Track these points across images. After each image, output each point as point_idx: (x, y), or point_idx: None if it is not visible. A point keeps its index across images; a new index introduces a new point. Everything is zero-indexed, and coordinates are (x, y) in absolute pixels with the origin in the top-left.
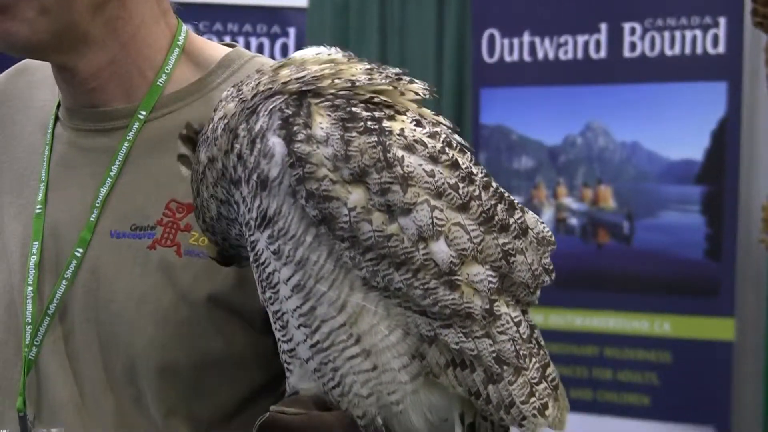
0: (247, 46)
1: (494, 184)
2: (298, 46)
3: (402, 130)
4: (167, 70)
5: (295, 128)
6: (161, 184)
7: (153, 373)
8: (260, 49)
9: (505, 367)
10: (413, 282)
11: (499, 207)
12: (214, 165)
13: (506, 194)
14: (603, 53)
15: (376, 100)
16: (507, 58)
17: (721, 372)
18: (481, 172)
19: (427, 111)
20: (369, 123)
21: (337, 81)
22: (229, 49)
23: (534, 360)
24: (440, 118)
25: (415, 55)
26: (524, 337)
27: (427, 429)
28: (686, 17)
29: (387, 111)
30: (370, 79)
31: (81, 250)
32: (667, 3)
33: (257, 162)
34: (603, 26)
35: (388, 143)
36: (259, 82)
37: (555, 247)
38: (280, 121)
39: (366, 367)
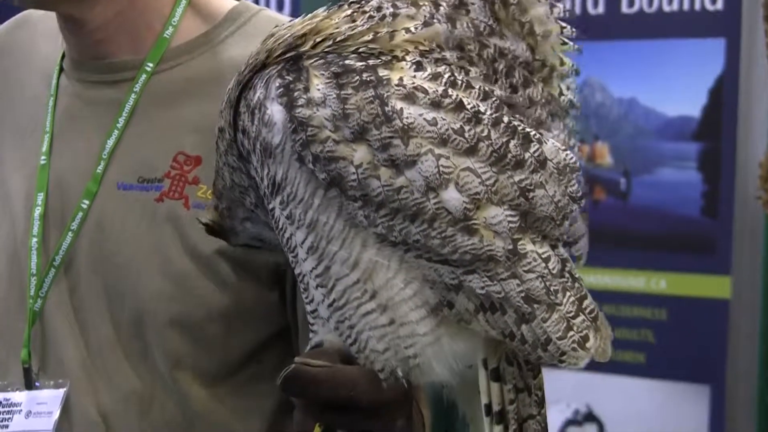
0: None
1: (506, 119)
2: (294, 2)
3: (401, 79)
4: (174, 22)
5: (295, 94)
6: (168, 136)
7: (160, 326)
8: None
9: (536, 306)
10: (430, 232)
11: (512, 143)
12: (223, 135)
13: (520, 127)
14: (601, 9)
15: (368, 48)
16: None
17: (717, 330)
18: (491, 107)
19: (421, 34)
20: (365, 76)
21: (317, 39)
22: (236, 2)
23: (569, 294)
24: (436, 28)
25: None
26: (554, 272)
27: (451, 377)
28: None
29: (383, 58)
30: (352, 29)
31: (87, 202)
32: None
33: (258, 131)
34: None
35: (385, 95)
36: (252, 56)
37: (580, 173)
38: (280, 89)
39: (382, 321)
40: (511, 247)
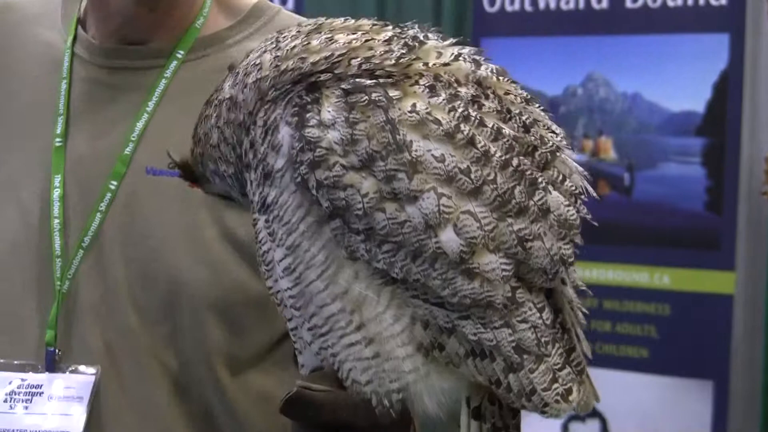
0: None
1: (515, 162)
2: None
3: (414, 105)
4: (205, 13)
5: (308, 115)
6: None
7: (197, 310)
8: None
9: (525, 356)
10: (431, 272)
11: (518, 189)
12: (233, 110)
13: (528, 171)
14: (605, 4)
15: (386, 69)
16: (508, 8)
17: (720, 326)
18: (501, 149)
19: (441, 68)
20: (374, 95)
21: (353, 61)
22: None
23: (557, 345)
24: (459, 64)
25: (414, 3)
26: (547, 323)
27: (441, 411)
28: None
29: (395, 78)
30: (383, 53)
31: (115, 183)
32: None
33: (265, 154)
34: None
35: (397, 121)
36: (293, 51)
37: (578, 232)
38: (295, 108)
39: (367, 354)
40: (510, 294)
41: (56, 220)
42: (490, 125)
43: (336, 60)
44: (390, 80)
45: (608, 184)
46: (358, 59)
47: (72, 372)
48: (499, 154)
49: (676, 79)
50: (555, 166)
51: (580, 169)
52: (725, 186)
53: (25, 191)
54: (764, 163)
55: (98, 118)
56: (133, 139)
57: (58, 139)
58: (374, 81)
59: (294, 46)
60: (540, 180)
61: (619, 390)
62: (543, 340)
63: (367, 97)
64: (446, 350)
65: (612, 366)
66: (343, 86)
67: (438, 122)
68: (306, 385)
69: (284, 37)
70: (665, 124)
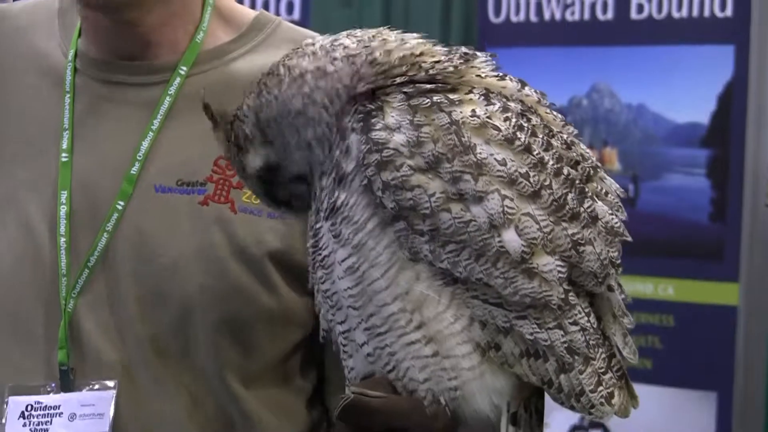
0: (253, 4)
1: (565, 171)
2: (304, 4)
3: (473, 110)
4: (204, 27)
5: (373, 120)
6: (207, 140)
7: (208, 326)
8: (266, 7)
9: (576, 357)
10: (493, 271)
11: (570, 196)
12: (323, 78)
13: (577, 181)
14: (610, 14)
15: (438, 78)
16: (513, 18)
17: (724, 337)
18: (553, 158)
19: (492, 81)
20: (435, 98)
21: (423, 65)
22: (254, 11)
23: (600, 350)
24: (506, 82)
25: (421, 14)
26: (594, 326)
27: (492, 412)
28: None
29: (454, 89)
30: (446, 61)
31: (122, 203)
32: None
33: (338, 160)
34: None
35: (461, 122)
36: (374, 42)
37: (625, 239)
38: (360, 114)
39: (426, 353)
40: (563, 296)
41: (62, 239)
42: (540, 136)
43: (413, 61)
44: (448, 86)
45: None
46: (427, 63)
47: (89, 389)
48: (551, 162)
49: (681, 91)
50: (596, 180)
51: (617, 186)
52: (729, 197)
53: (31, 206)
54: None
55: (102, 135)
56: (139, 158)
57: (64, 155)
58: (434, 85)
59: (372, 37)
60: (587, 190)
61: None
62: (591, 342)
63: (429, 100)
64: (502, 350)
65: None
66: (404, 90)
67: (497, 128)
68: (361, 392)
69: (351, 32)
70: (670, 135)
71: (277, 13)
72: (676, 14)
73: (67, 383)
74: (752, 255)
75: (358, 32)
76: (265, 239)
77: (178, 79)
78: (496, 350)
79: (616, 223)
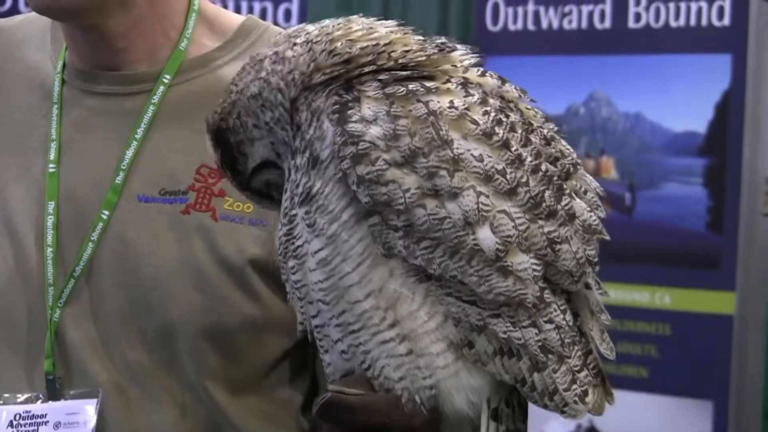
0: (251, 10)
1: (543, 167)
2: (302, 12)
3: (451, 101)
4: (188, 34)
5: (349, 112)
6: (190, 149)
7: (192, 337)
8: (263, 14)
9: (549, 356)
10: (467, 269)
11: (547, 193)
12: (279, 63)
13: (555, 177)
14: (607, 23)
15: (411, 66)
16: (511, 27)
17: (720, 346)
18: (531, 154)
19: (471, 75)
20: (411, 86)
21: (393, 54)
22: (242, 17)
23: (576, 348)
24: (486, 79)
25: (418, 22)
26: (570, 324)
27: (470, 409)
28: None
29: (431, 77)
30: (418, 50)
31: (107, 213)
32: None
33: (312, 140)
34: None
35: (438, 113)
36: (338, 32)
37: (602, 237)
38: (336, 106)
39: (400, 351)
40: (538, 294)
41: (49, 249)
42: (519, 132)
43: (380, 51)
44: (424, 73)
45: (609, 203)
46: (397, 52)
47: (73, 398)
48: (529, 159)
49: (678, 99)
50: (575, 178)
51: (596, 185)
52: (726, 206)
53: (18, 217)
54: (765, 184)
55: (88, 145)
56: (123, 168)
57: (51, 166)
58: (409, 72)
59: (337, 26)
60: (565, 187)
61: (619, 409)
62: (566, 341)
63: (404, 88)
64: (475, 348)
65: (612, 385)
66: (379, 78)
67: (475, 122)
68: (340, 389)
69: (313, 33)
70: (667, 144)
71: (275, 20)
72: (673, 23)
73: (53, 392)
74: (749, 264)
75: (327, 21)
76: (246, 247)
77: (161, 88)
78: (470, 348)
79: (594, 220)
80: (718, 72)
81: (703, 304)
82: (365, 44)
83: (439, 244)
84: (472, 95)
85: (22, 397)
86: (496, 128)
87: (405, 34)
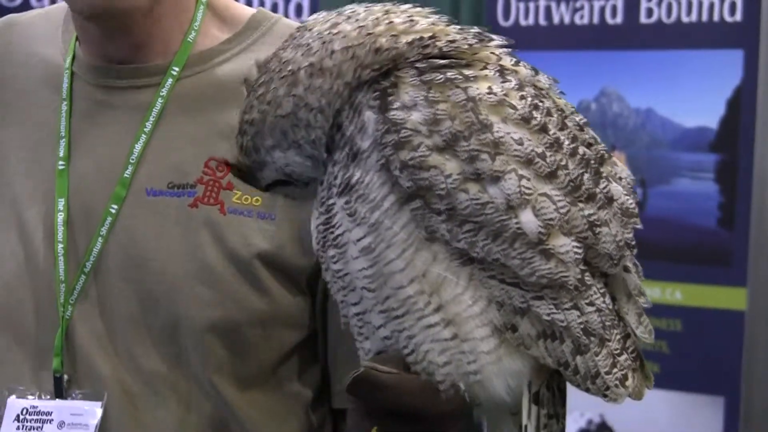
0: (262, 4)
1: (581, 151)
2: (313, 4)
3: (489, 87)
4: (196, 27)
5: (390, 98)
6: (198, 142)
7: (199, 331)
8: (275, 8)
9: (591, 338)
10: (510, 252)
11: (586, 176)
12: (318, 76)
13: (592, 161)
14: (619, 18)
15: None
16: (522, 22)
17: (732, 341)
18: (568, 137)
19: (506, 63)
20: (449, 74)
21: (438, 44)
22: (253, 9)
23: (615, 332)
24: (520, 67)
25: None
26: (609, 307)
27: (508, 395)
28: None
29: (469, 64)
30: (460, 40)
31: (116, 207)
32: None
33: (353, 135)
34: None
35: (477, 99)
36: (379, 27)
37: (638, 220)
38: (375, 93)
39: (445, 335)
40: (579, 277)
41: (60, 245)
42: (555, 116)
43: (425, 44)
44: (462, 61)
45: None
46: (442, 43)
47: (79, 398)
48: (567, 142)
49: (690, 95)
50: (609, 164)
51: (628, 172)
52: (737, 202)
53: (28, 213)
54: None
55: (98, 139)
56: (132, 161)
57: (61, 162)
58: (447, 61)
59: (377, 20)
60: (602, 171)
61: (629, 405)
62: (606, 324)
63: (442, 76)
64: (519, 331)
65: None
66: (417, 66)
67: (514, 107)
68: (373, 366)
69: (353, 11)
70: (678, 140)
71: (286, 13)
72: (685, 18)
73: (60, 390)
74: (760, 260)
75: (361, 12)
76: (255, 241)
77: (170, 81)
78: (513, 332)
79: (631, 204)
80: (729, 68)
81: (714, 300)
82: (411, 38)
83: (481, 228)
84: (510, 81)
85: (31, 392)
86: (534, 113)
87: (444, 24)
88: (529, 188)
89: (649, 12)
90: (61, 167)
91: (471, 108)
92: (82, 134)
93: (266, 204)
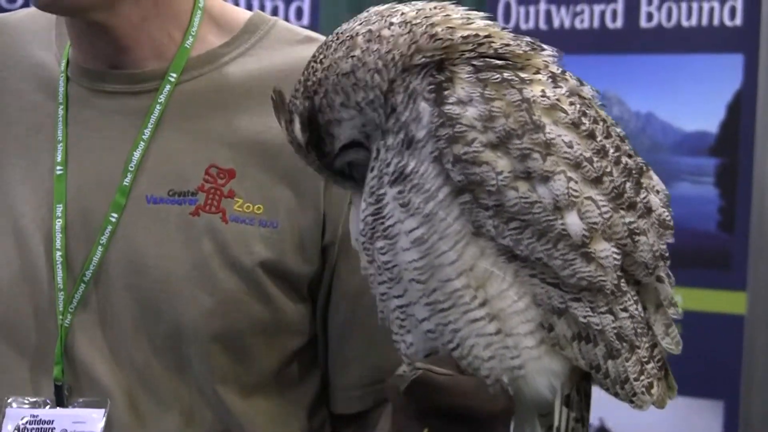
0: (262, 8)
1: (623, 160)
2: (313, 10)
3: (543, 90)
4: (193, 32)
5: (445, 92)
6: (198, 148)
7: (202, 340)
8: (275, 12)
9: (623, 344)
10: (553, 252)
11: (628, 185)
12: (376, 42)
13: (633, 171)
14: (619, 23)
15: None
16: (522, 26)
17: (731, 346)
18: (612, 146)
19: (555, 71)
20: (506, 74)
21: (493, 44)
22: (249, 12)
23: (644, 339)
24: (567, 77)
25: None
26: (641, 315)
27: (551, 394)
28: None
29: (524, 68)
30: (514, 45)
31: (116, 215)
32: None
33: (407, 121)
34: None
35: (532, 100)
36: (435, 17)
37: (672, 233)
38: (431, 86)
39: (490, 330)
40: (616, 282)
41: (58, 253)
42: (601, 125)
43: (481, 42)
44: (517, 64)
45: None
46: (496, 44)
47: (81, 406)
48: (611, 150)
49: (690, 99)
50: (647, 177)
51: (663, 186)
52: (737, 206)
53: (25, 219)
54: None
55: (95, 145)
56: (131, 169)
57: (59, 168)
58: (504, 62)
59: (435, 10)
60: (642, 182)
61: (628, 409)
62: (638, 330)
63: (499, 75)
64: (555, 331)
65: None
66: (474, 63)
67: (565, 111)
68: (429, 368)
69: (408, 2)
70: (678, 144)
71: (286, 17)
72: (685, 23)
73: (61, 399)
74: (760, 264)
75: (420, 3)
76: (257, 249)
77: (168, 87)
78: (549, 331)
79: (667, 216)
80: (729, 72)
81: (713, 304)
82: (466, 33)
83: (528, 226)
84: (561, 87)
85: (29, 402)
86: (582, 119)
87: (499, 28)
88: (576, 191)
89: (650, 16)
90: (59, 172)
91: (525, 108)
92: (79, 139)
93: (268, 212)
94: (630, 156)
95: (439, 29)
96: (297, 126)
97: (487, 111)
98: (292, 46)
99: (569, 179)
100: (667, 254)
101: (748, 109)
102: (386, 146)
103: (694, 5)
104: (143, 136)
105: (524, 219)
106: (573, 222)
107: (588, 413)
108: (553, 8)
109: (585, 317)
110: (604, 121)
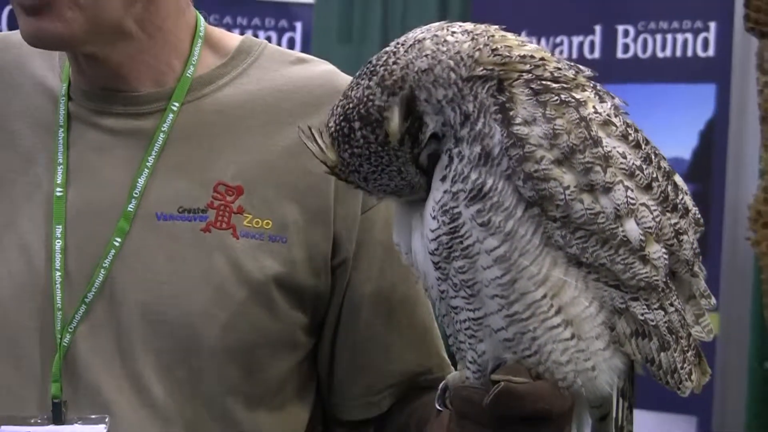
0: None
1: (662, 165)
2: (305, 41)
3: (594, 107)
4: (194, 61)
5: (511, 113)
6: (205, 167)
7: (214, 353)
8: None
9: (673, 336)
10: (615, 257)
11: (669, 188)
12: (442, 46)
13: (670, 174)
14: (597, 54)
15: (561, 80)
16: None
17: None
18: (653, 152)
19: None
20: (563, 96)
21: (547, 67)
22: (240, 37)
23: (683, 330)
24: (603, 92)
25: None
26: (682, 308)
27: (612, 389)
28: (678, 21)
29: (574, 89)
30: (564, 69)
31: (119, 240)
32: (660, 7)
33: (482, 135)
34: (598, 28)
35: (589, 118)
36: (494, 37)
37: (703, 229)
38: (496, 107)
39: (566, 335)
40: (665, 280)
41: (57, 273)
42: (640, 134)
43: (537, 63)
44: (568, 85)
45: None
46: (551, 67)
47: (80, 423)
48: (653, 156)
49: (665, 127)
50: (677, 178)
51: (686, 186)
52: (710, 231)
53: (30, 236)
54: (748, 210)
55: (98, 166)
56: (135, 195)
57: (59, 189)
58: (559, 85)
59: (493, 29)
60: (678, 183)
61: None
62: (683, 322)
63: (557, 97)
64: (615, 330)
65: None
66: (532, 86)
67: (615, 125)
68: (509, 379)
69: (477, 36)
70: None
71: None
72: (660, 54)
73: (58, 416)
74: (732, 287)
75: (469, 25)
76: (268, 263)
77: (171, 116)
78: (610, 330)
79: (698, 214)
80: (702, 101)
81: None
82: (523, 53)
83: (592, 235)
84: (606, 103)
85: (27, 418)
86: (628, 129)
87: (548, 52)
88: (633, 198)
89: (626, 47)
90: (58, 194)
91: (584, 125)
92: (82, 161)
93: (277, 227)
94: (664, 159)
95: (498, 45)
96: (396, 116)
97: (551, 129)
98: (286, 67)
99: (626, 188)
100: (698, 251)
101: (721, 136)
102: (461, 156)
103: (669, 37)
104: (147, 164)
105: (589, 229)
106: (632, 228)
107: (635, 399)
108: (534, 39)
109: (642, 315)
110: (637, 129)
